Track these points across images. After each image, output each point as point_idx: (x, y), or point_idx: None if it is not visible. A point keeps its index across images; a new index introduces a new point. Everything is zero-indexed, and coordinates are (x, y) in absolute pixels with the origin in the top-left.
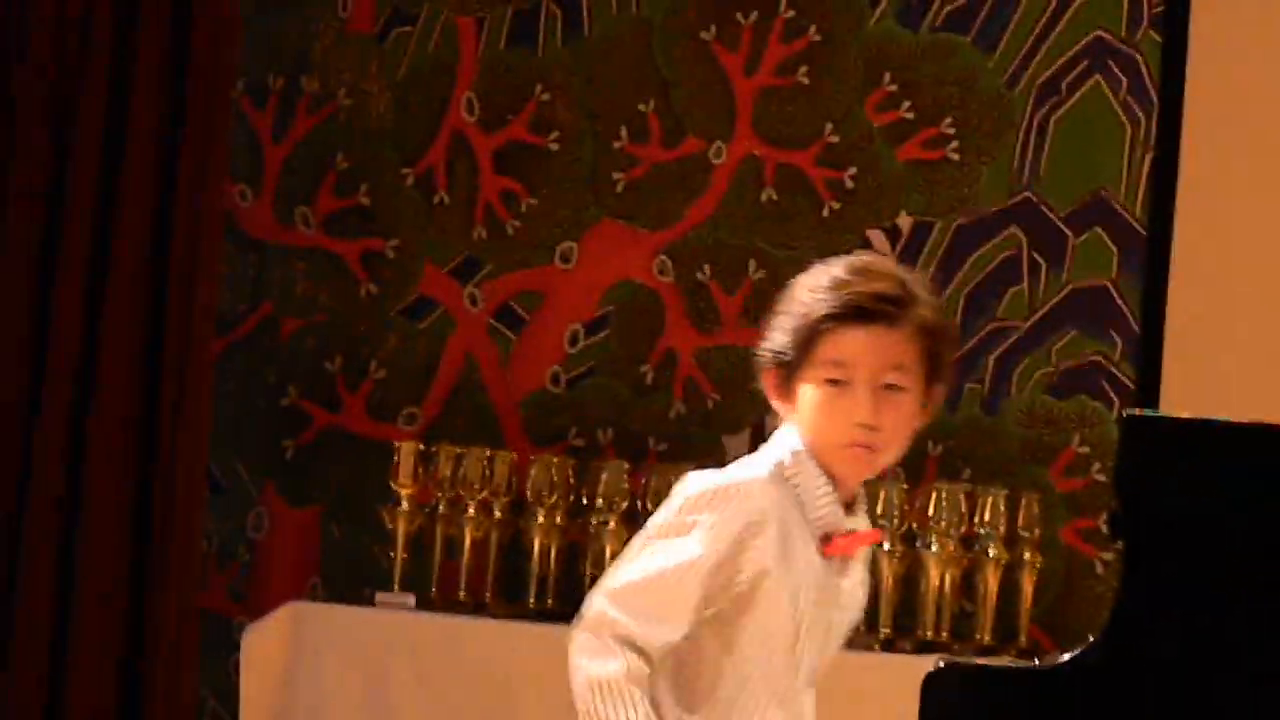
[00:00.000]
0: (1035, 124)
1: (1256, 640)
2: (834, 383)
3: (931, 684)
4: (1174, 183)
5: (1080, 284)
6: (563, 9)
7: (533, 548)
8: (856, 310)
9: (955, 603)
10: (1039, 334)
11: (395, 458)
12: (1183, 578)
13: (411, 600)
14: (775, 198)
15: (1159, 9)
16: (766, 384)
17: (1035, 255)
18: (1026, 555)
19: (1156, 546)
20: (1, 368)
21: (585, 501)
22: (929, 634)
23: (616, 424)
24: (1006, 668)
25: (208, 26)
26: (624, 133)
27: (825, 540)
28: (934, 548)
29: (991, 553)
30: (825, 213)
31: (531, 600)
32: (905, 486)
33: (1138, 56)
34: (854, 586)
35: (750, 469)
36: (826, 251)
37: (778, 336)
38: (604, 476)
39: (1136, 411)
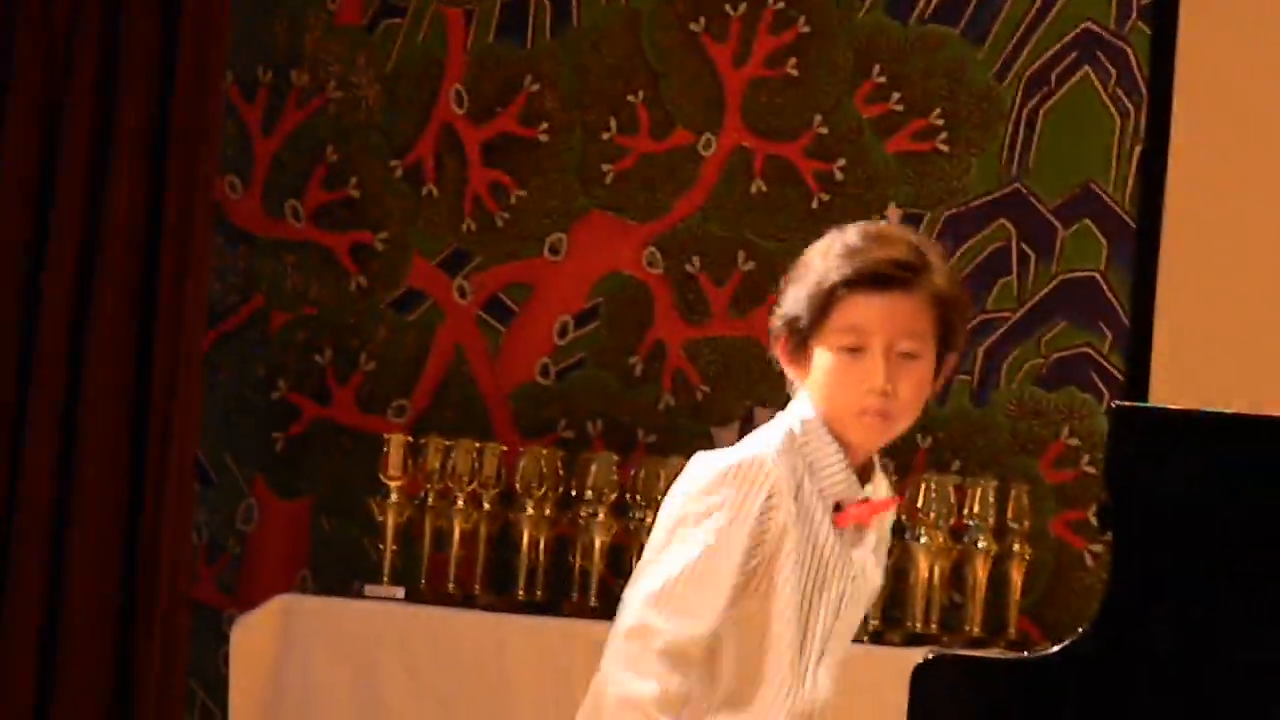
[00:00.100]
0: (1024, 116)
1: (1247, 631)
2: (849, 349)
3: (921, 675)
4: (1163, 174)
5: (1069, 275)
6: (551, 1)
7: (522, 539)
8: (872, 276)
9: (944, 594)
10: (1028, 325)
11: (385, 450)
12: (1173, 569)
13: (401, 592)
14: (764, 189)
15: (1148, 1)
16: (779, 350)
17: (1024, 247)
18: (1016, 547)
19: (1146, 538)
20: None
21: (574, 493)
22: (918, 626)
23: (606, 416)
24: (997, 659)
25: (196, 20)
26: (613, 124)
27: (837, 509)
28: (923, 539)
29: (981, 544)
30: (814, 204)
31: (521, 592)
32: (894, 478)
33: (1127, 48)
34: (866, 555)
35: (762, 442)
36: None
37: (791, 303)
38: (593, 468)
39: (1126, 403)
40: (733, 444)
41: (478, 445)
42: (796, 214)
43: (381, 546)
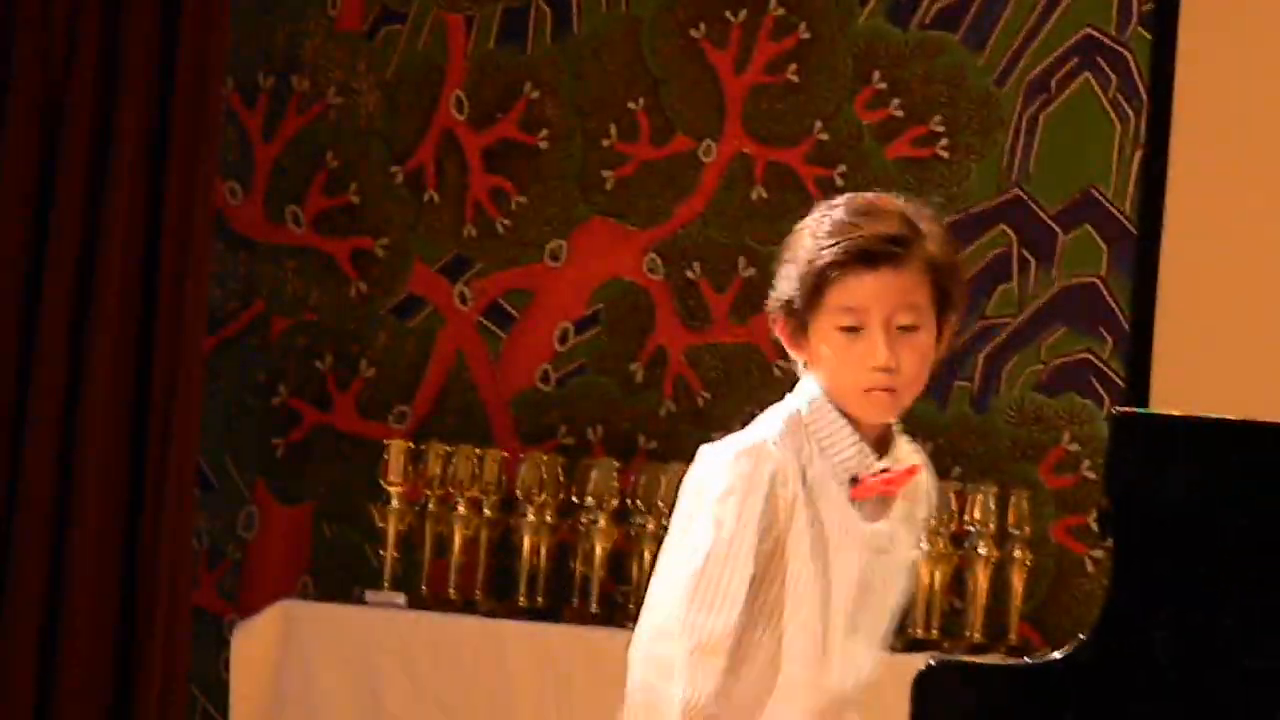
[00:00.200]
0: (1024, 121)
1: (1248, 637)
2: (847, 329)
3: (924, 682)
4: (1163, 180)
5: (1070, 281)
6: (552, 7)
7: (522, 546)
8: (863, 254)
9: (945, 600)
10: (1029, 331)
11: (385, 456)
12: (1173, 575)
13: (402, 598)
14: (765, 195)
15: (1148, 6)
16: (779, 333)
17: (1025, 253)
18: (1016, 553)
19: (1147, 544)
20: None
21: (575, 499)
22: (919, 632)
23: (606, 422)
24: (999, 666)
25: (197, 25)
26: (613, 130)
27: (854, 483)
28: (924, 545)
29: (981, 550)
30: None
31: (521, 598)
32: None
33: (1127, 54)
34: (895, 526)
35: (764, 426)
36: None
37: (785, 285)
38: (594, 474)
39: (1126, 409)
40: None
41: (478, 451)
42: (797, 220)
43: (382, 552)
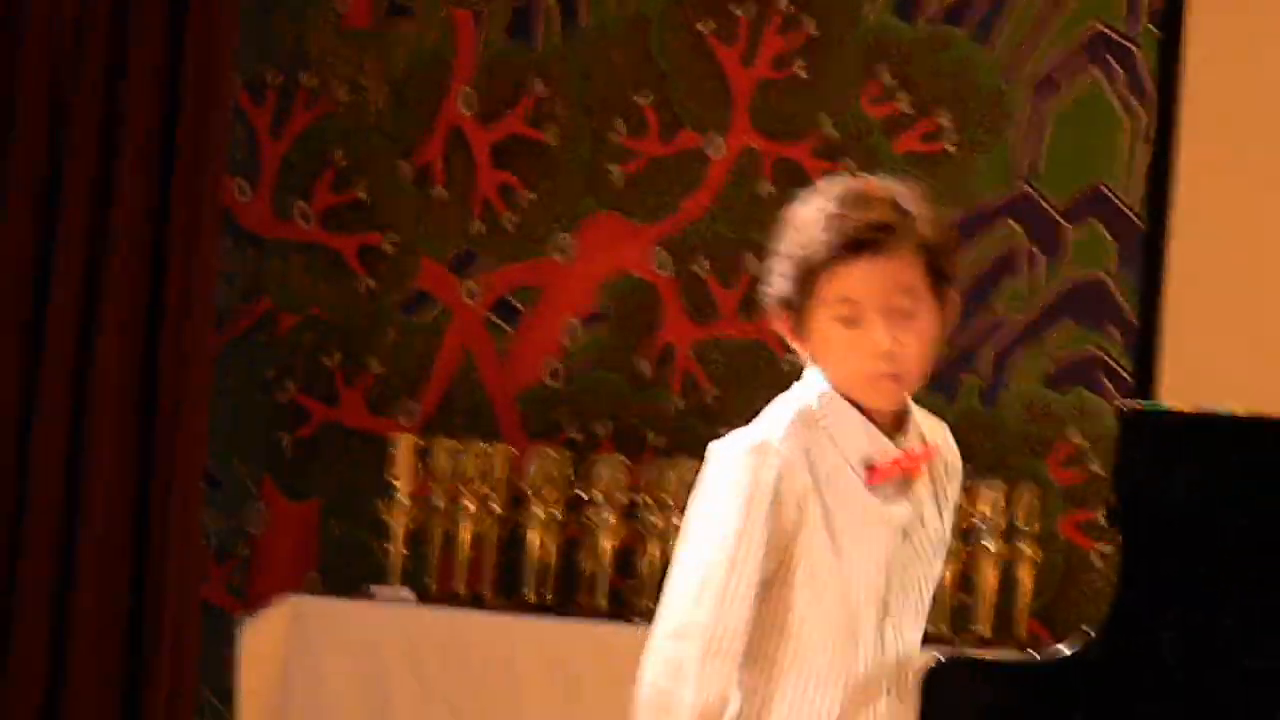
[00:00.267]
0: (1032, 117)
1: (1255, 634)
2: (845, 320)
3: (933, 678)
4: (1171, 175)
5: (1078, 277)
6: (560, 3)
7: (530, 542)
8: (852, 245)
9: (953, 596)
10: (1036, 327)
11: (393, 452)
12: (1181, 570)
13: (409, 594)
14: (773, 191)
15: (1157, 2)
16: (780, 328)
17: (1033, 248)
18: (1024, 548)
19: (1155, 539)
20: (0, 364)
21: (583, 495)
22: (927, 628)
23: (614, 418)
24: (1008, 662)
25: (204, 22)
26: (621, 126)
27: (870, 470)
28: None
29: (989, 546)
30: None
31: (529, 594)
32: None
33: (1135, 50)
34: (922, 506)
35: (771, 421)
36: None
37: (779, 281)
38: (602, 470)
39: (1134, 404)
40: None
41: (486, 447)
42: None
43: (390, 548)
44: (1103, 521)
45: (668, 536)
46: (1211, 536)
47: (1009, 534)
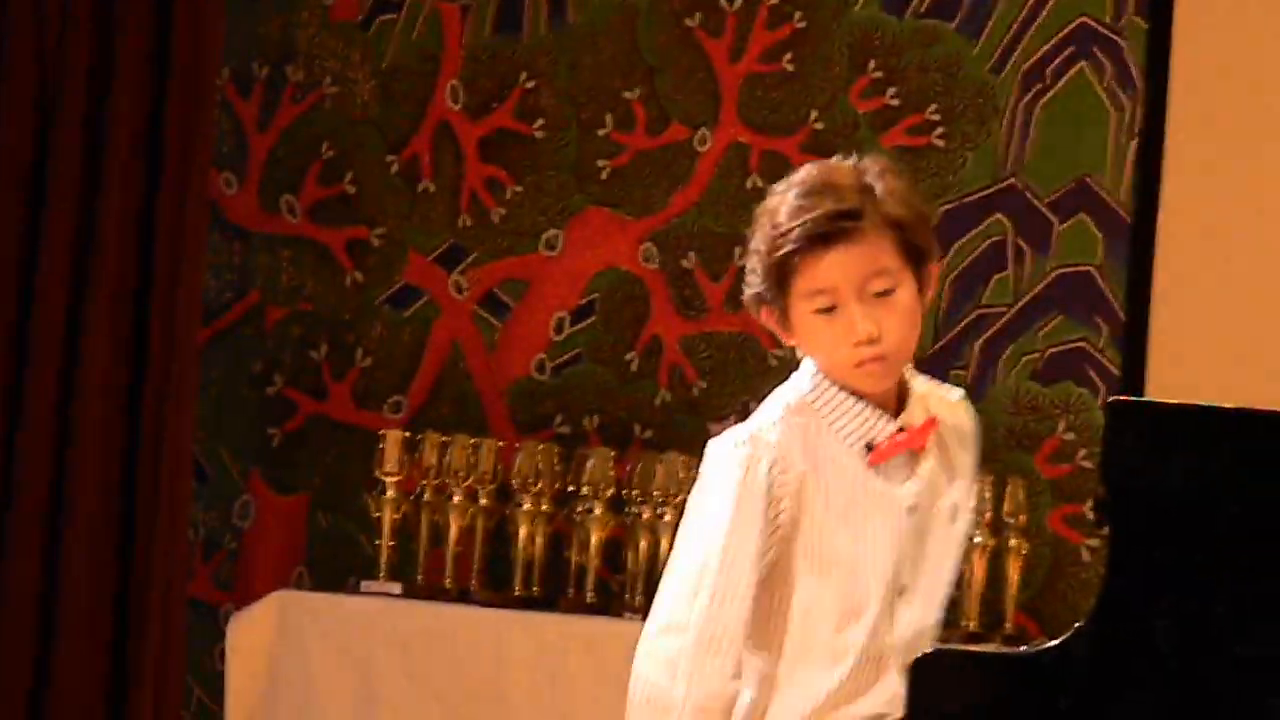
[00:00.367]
0: (1020, 110)
1: (1244, 625)
2: (822, 311)
3: (920, 670)
4: (1159, 168)
5: (1065, 270)
6: None
7: (518, 535)
8: (820, 238)
9: None
10: (1024, 320)
11: (381, 445)
12: (1170, 563)
13: (397, 588)
14: (760, 185)
15: None
16: (766, 322)
17: (1020, 241)
18: (1012, 542)
19: (1143, 533)
20: None
21: (571, 489)
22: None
23: (602, 411)
24: (996, 654)
25: (191, 15)
26: (609, 120)
27: (870, 451)
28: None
29: (977, 539)
30: None
31: (517, 588)
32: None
33: (1122, 42)
34: (933, 478)
35: (764, 414)
36: None
37: (754, 278)
38: (590, 464)
39: (1122, 397)
40: None
41: (474, 441)
42: None
43: (378, 542)
44: (1090, 514)
45: (656, 530)
46: (1200, 526)
47: (997, 527)
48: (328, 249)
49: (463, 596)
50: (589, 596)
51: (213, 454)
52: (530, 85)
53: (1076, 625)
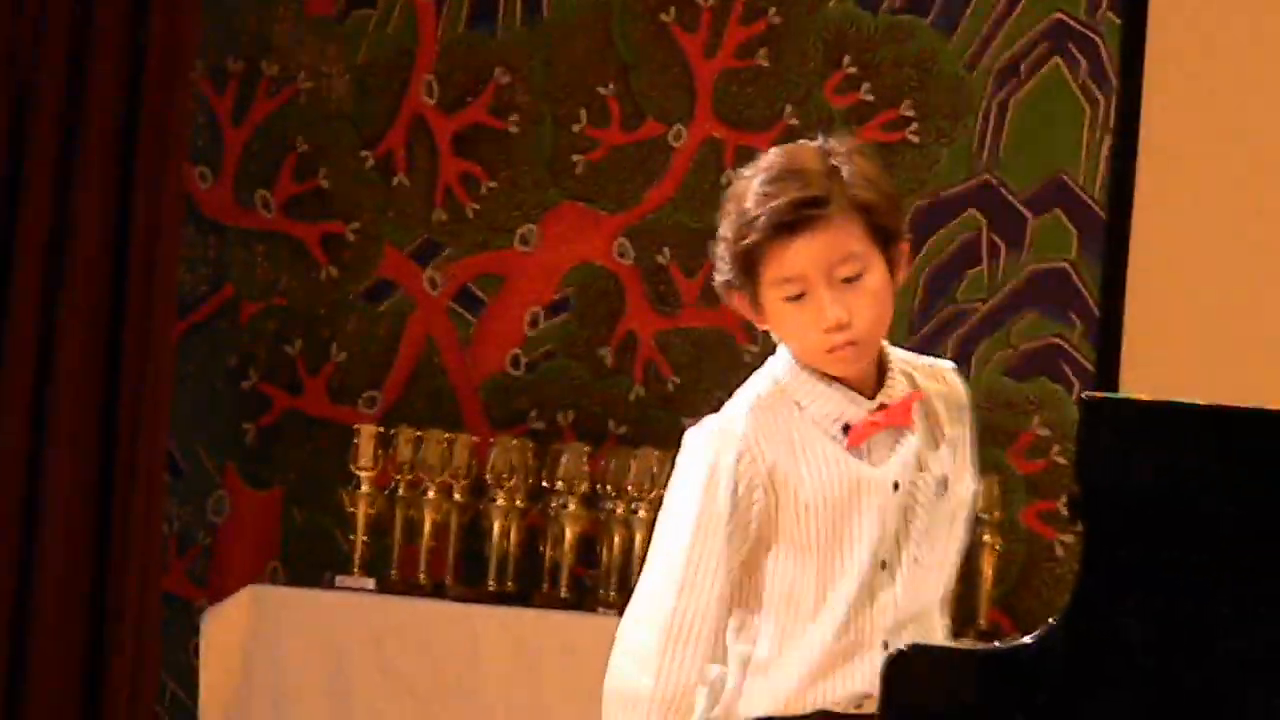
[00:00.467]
0: (995, 106)
1: (1218, 621)
2: (791, 299)
3: (894, 667)
4: (1133, 164)
5: (1040, 266)
6: None
7: (492, 530)
8: (786, 226)
9: None
10: (999, 316)
11: (355, 440)
12: (1143, 560)
13: (371, 583)
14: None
15: None
16: (738, 307)
17: (995, 237)
18: (986, 537)
19: (1117, 529)
20: None
21: (545, 484)
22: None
23: (576, 406)
24: (970, 650)
25: (166, 9)
26: (584, 115)
27: (848, 431)
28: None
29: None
30: None
31: (491, 582)
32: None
33: (1097, 38)
34: (919, 452)
35: (736, 403)
36: None
37: (723, 265)
38: (564, 459)
39: (1096, 394)
40: None
41: (448, 436)
42: None
43: (352, 537)
44: (1064, 512)
45: (630, 525)
46: (1173, 522)
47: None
48: (302, 243)
49: (437, 591)
50: (563, 592)
51: (187, 449)
52: (505, 80)
53: (1050, 621)
